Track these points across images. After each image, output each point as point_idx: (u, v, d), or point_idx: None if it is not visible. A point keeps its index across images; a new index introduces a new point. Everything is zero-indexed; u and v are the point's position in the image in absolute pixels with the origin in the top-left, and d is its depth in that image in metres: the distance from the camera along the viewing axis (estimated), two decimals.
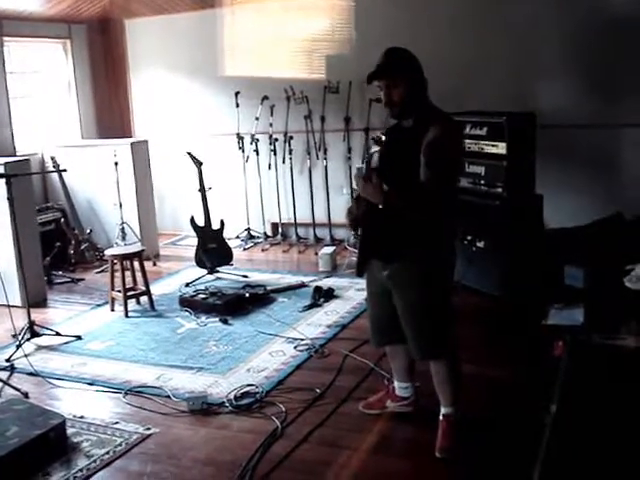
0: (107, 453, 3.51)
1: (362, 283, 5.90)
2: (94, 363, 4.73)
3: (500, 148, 5.36)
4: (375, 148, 3.18)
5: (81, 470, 3.37)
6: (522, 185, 5.51)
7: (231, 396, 4.05)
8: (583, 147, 6.32)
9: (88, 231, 7.25)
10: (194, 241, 6.61)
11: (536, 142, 5.54)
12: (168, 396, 4.12)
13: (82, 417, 3.91)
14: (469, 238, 5.51)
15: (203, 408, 3.95)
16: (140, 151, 7.19)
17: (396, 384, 3.78)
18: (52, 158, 7.25)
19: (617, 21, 6.06)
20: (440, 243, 3.28)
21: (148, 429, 3.75)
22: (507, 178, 5.36)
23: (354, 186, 3.29)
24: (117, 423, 3.83)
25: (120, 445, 3.59)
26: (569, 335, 2.98)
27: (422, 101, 3.23)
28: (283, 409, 3.89)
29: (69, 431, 3.68)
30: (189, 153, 6.49)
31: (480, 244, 5.46)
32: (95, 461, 3.44)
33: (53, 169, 7.15)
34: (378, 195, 3.09)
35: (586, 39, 6.19)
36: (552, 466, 2.08)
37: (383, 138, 3.17)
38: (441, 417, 3.46)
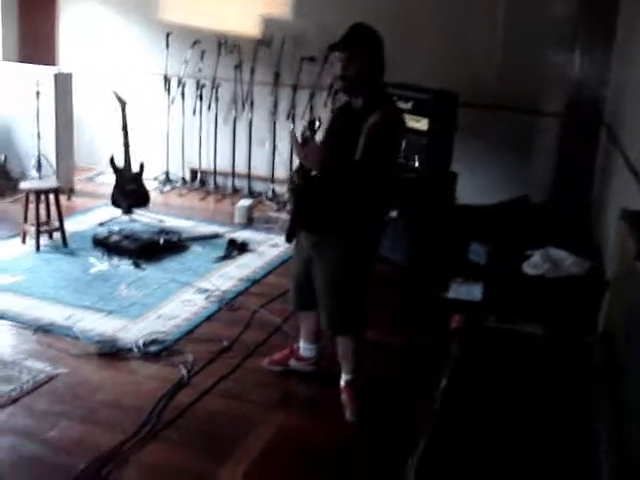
0: (14, 390, 3.57)
1: (276, 239, 6.10)
2: (2, 297, 4.71)
3: (422, 124, 5.55)
4: (307, 131, 3.30)
5: None
6: (439, 161, 5.73)
7: (140, 342, 4.15)
8: (500, 129, 6.56)
9: (2, 158, 7.08)
10: (111, 178, 6.57)
11: (457, 122, 5.74)
12: (77, 337, 4.18)
13: None
14: None
15: (112, 352, 4.04)
16: (64, 83, 7.00)
17: (301, 344, 3.95)
18: None
19: (545, 11, 6.30)
20: (365, 223, 3.42)
21: (56, 368, 3.81)
22: (425, 154, 5.56)
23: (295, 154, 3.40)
24: (25, 360, 3.88)
25: (27, 382, 3.65)
26: (466, 315, 3.20)
27: (374, 83, 3.35)
28: (190, 359, 4.02)
29: None
30: (114, 92, 6.41)
31: (393, 214, 5.65)
32: (1, 396, 3.50)
33: None
34: (316, 159, 3.20)
35: (514, 24, 6.41)
36: (439, 435, 2.28)
37: (317, 124, 3.28)
38: (343, 383, 3.68)
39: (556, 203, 6.10)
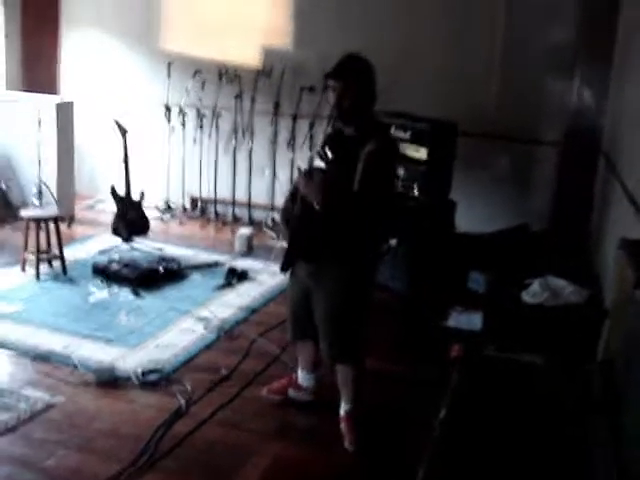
0: (11, 418, 3.55)
1: (276, 268, 6.07)
2: (1, 324, 4.70)
3: (421, 153, 5.59)
4: (319, 162, 3.32)
5: None
6: (438, 190, 5.76)
7: (138, 371, 4.12)
8: (498, 158, 6.60)
9: (3, 185, 7.11)
10: (111, 206, 6.61)
11: (456, 151, 5.78)
12: (75, 365, 4.17)
13: None
14: None
15: (110, 381, 4.03)
16: (65, 113, 7.06)
17: (300, 374, 3.94)
18: None
19: (544, 39, 6.37)
20: (364, 251, 3.44)
21: (54, 397, 3.79)
22: (424, 183, 5.60)
23: (298, 185, 3.41)
24: (23, 389, 3.86)
25: (25, 411, 3.63)
26: (465, 344, 3.20)
27: (367, 112, 3.41)
28: (188, 388, 4.00)
29: None
30: (116, 121, 6.46)
31: (392, 242, 5.67)
32: None
33: None
34: (318, 194, 3.24)
35: (512, 53, 6.47)
36: (438, 464, 2.28)
37: (329, 155, 3.31)
38: (342, 413, 3.66)
39: (555, 232, 6.12)
